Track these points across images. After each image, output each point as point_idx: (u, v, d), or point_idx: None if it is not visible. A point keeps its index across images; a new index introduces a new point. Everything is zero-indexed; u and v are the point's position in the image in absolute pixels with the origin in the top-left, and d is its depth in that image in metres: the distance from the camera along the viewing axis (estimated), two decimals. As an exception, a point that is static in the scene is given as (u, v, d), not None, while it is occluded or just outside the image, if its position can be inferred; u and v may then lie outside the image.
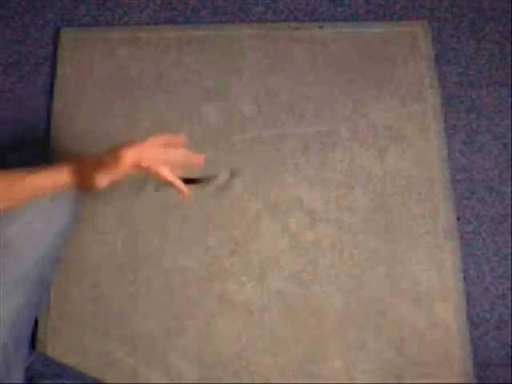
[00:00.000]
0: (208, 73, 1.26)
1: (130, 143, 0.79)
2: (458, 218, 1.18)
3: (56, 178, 0.78)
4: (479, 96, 1.27)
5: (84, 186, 0.79)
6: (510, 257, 1.17)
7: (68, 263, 1.13)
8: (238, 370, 1.09)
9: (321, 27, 1.30)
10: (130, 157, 0.77)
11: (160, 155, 0.82)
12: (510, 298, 1.15)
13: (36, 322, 1.09)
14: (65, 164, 0.80)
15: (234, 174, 1.17)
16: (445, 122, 1.24)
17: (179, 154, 0.85)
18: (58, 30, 1.29)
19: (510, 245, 1.17)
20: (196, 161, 0.86)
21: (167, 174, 0.83)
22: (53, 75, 1.26)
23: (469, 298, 1.14)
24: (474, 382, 1.10)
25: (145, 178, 1.17)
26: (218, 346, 1.10)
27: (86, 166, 0.79)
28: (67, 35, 1.28)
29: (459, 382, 1.09)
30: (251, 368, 1.09)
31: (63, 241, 0.89)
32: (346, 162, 1.20)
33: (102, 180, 0.78)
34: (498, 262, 1.17)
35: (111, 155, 0.78)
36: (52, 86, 1.25)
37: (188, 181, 0.88)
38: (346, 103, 1.24)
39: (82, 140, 1.21)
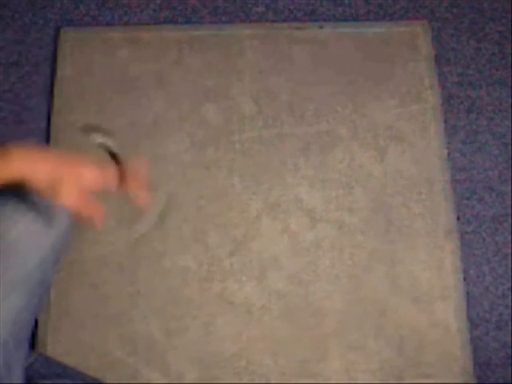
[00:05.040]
0: (208, 73, 1.26)
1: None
2: (458, 218, 1.18)
3: None
4: (479, 96, 1.27)
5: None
6: (509, 257, 1.17)
7: (68, 263, 1.13)
8: (238, 370, 1.09)
9: (321, 27, 1.30)
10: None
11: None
12: (510, 298, 1.15)
13: (36, 321, 1.09)
14: None
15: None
16: (445, 121, 1.24)
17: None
18: (58, 30, 1.29)
19: (509, 245, 1.17)
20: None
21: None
22: (53, 75, 1.26)
23: (469, 298, 1.14)
24: (474, 382, 1.10)
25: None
26: (218, 346, 1.10)
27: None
28: (67, 35, 1.28)
29: (459, 382, 1.09)
30: (251, 368, 1.09)
31: (65, 242, 0.89)
32: (346, 162, 1.20)
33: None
34: (497, 262, 1.17)
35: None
36: (52, 86, 1.25)
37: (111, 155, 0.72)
38: (346, 103, 1.24)
39: (82, 140, 1.21)
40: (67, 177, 0.68)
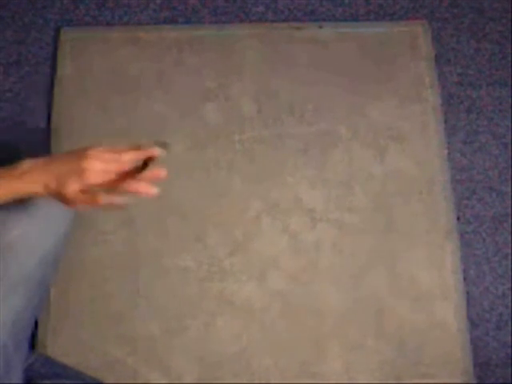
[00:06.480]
0: (208, 73, 1.26)
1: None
2: (458, 218, 1.18)
3: (15, 187, 0.68)
4: (479, 96, 1.27)
5: (53, 193, 0.68)
6: (510, 257, 1.17)
7: (68, 263, 1.13)
8: (238, 371, 1.09)
9: (321, 27, 1.30)
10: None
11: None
12: (510, 298, 1.15)
13: (36, 322, 1.09)
14: (22, 166, 0.69)
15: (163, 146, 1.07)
16: (445, 121, 1.24)
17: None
18: (58, 30, 1.29)
19: (509, 245, 1.17)
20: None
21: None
22: (53, 75, 1.26)
23: (469, 298, 1.14)
24: (474, 382, 1.10)
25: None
26: (218, 346, 1.10)
27: (51, 166, 0.69)
28: (67, 35, 1.28)
29: (459, 382, 1.09)
30: (251, 368, 1.09)
31: (65, 242, 0.89)
32: (346, 161, 1.20)
33: (72, 185, 0.67)
34: (497, 262, 1.17)
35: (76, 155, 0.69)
36: (52, 86, 1.25)
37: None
38: (346, 103, 1.24)
39: (81, 140, 1.21)
40: (70, 179, 0.68)
